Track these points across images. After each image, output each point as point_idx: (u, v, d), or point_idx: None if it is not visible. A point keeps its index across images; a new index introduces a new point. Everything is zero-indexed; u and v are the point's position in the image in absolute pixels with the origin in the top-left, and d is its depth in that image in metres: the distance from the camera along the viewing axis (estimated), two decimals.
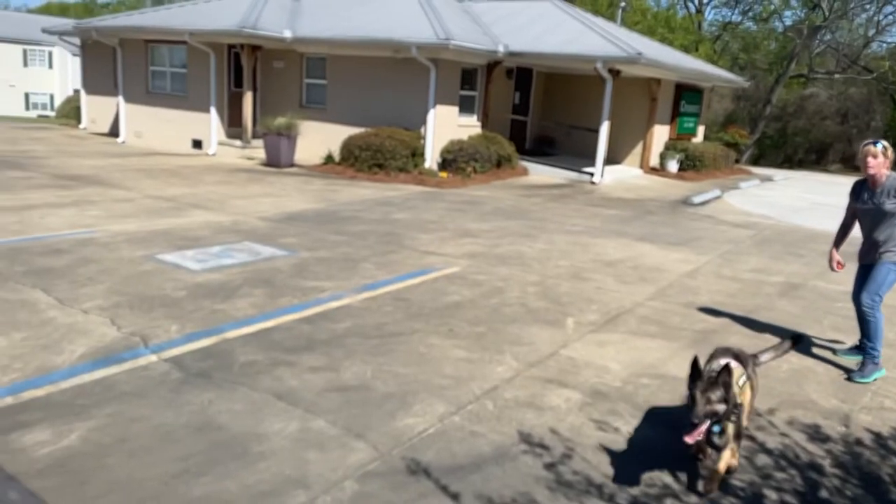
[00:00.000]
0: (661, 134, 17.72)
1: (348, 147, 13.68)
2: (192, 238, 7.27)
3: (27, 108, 36.86)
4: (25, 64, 37.78)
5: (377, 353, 4.41)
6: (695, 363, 2.93)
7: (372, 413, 3.57)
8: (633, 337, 5.08)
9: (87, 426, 3.22)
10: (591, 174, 14.72)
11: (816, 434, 3.67)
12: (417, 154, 13.65)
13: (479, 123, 15.35)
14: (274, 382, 3.86)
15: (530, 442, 3.36)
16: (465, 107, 14.95)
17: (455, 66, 14.21)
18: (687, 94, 18.43)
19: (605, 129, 14.60)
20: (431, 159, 13.89)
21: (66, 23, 22.50)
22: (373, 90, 14.58)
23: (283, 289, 5.68)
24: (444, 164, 13.86)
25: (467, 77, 14.88)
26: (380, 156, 13.20)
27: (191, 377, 3.85)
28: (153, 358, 4.09)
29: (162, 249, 6.68)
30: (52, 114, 31.51)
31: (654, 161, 17.45)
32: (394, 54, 13.79)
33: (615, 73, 14.23)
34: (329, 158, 14.36)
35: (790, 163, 34.67)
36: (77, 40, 19.64)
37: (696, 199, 13.12)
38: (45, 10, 55.14)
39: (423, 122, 13.92)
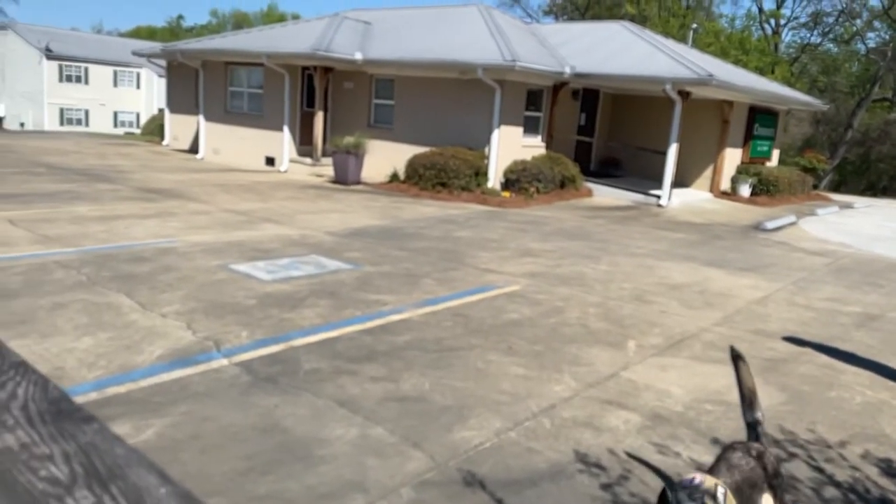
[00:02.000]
0: (732, 157, 17.24)
1: (413, 166, 13.94)
2: (263, 250, 7.58)
3: (115, 125, 39.23)
4: (115, 84, 40.31)
5: (435, 367, 4.48)
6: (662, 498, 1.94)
7: (429, 424, 3.63)
8: (697, 362, 4.97)
9: (163, 422, 3.42)
10: (658, 197, 14.46)
11: (890, 469, 3.49)
12: (480, 173, 13.77)
13: (543, 144, 15.36)
14: (336, 390, 3.98)
15: (587, 461, 3.34)
16: (530, 127, 15.01)
17: (520, 87, 14.31)
18: (761, 117, 17.89)
19: (673, 152, 14.35)
20: (494, 179, 13.98)
21: (154, 46, 23.96)
22: (438, 110, 14.84)
23: (346, 301, 5.85)
24: (507, 184, 13.92)
25: (532, 98, 14.95)
26: (443, 175, 13.39)
27: (259, 381, 4.02)
28: (224, 362, 4.29)
29: (235, 260, 7.00)
30: (138, 131, 33.44)
31: (724, 185, 16.98)
32: (460, 75, 14.02)
33: (685, 95, 13.99)
34: (394, 177, 14.67)
35: (873, 190, 32.98)
36: (163, 62, 20.87)
37: (769, 225, 12.68)
38: (135, 34, 58.82)
39: (487, 142, 14.05)
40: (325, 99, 16.22)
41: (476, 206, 12.62)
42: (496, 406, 3.95)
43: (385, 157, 14.93)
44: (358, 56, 15.28)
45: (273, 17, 63.72)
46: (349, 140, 14.54)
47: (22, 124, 36.81)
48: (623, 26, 17.98)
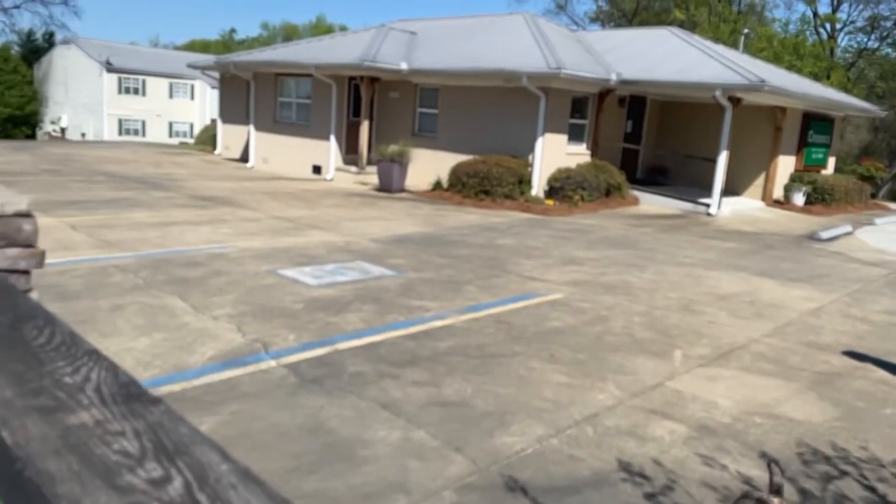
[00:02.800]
0: (786, 165, 16.76)
1: (456, 174, 14.01)
2: (310, 256, 7.74)
3: (170, 135, 40.61)
4: (171, 96, 41.77)
5: (478, 373, 4.50)
6: None
7: (471, 429, 3.65)
8: (746, 374, 4.85)
9: (215, 420, 3.53)
10: (707, 205, 14.16)
11: None
12: (524, 181, 13.75)
13: (588, 152, 15.24)
14: (379, 393, 4.04)
15: (630, 470, 3.31)
16: (575, 135, 14.92)
17: (565, 94, 14.25)
18: (816, 124, 17.36)
19: (723, 159, 14.05)
20: (538, 187, 13.94)
21: (208, 58, 24.77)
22: (482, 119, 14.90)
23: (390, 306, 5.92)
24: (551, 192, 13.86)
25: (578, 105, 14.86)
26: (486, 182, 13.41)
27: (305, 383, 4.12)
28: (272, 363, 4.41)
29: (283, 265, 7.17)
30: (192, 141, 34.56)
31: (777, 193, 16.51)
32: (504, 83, 14.05)
33: (735, 102, 13.70)
34: (437, 185, 14.77)
35: None
36: (216, 74, 21.54)
37: (824, 235, 12.27)
38: (190, 47, 60.85)
39: (531, 149, 14.03)
40: (370, 108, 16.47)
41: (519, 214, 12.60)
42: (538, 413, 3.94)
43: (428, 166, 15.06)
44: (403, 66, 15.48)
45: (321, 28, 65.03)
46: (393, 148, 14.73)
47: (83, 134, 38.46)
48: (671, 32, 17.73)
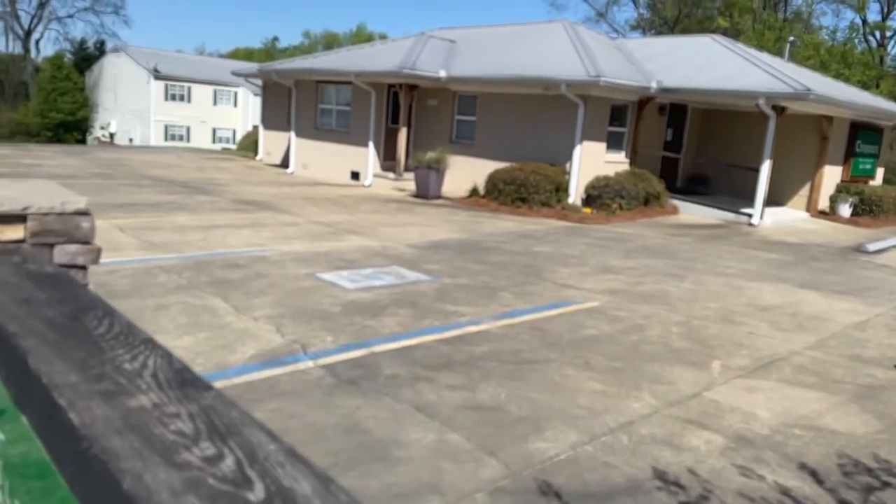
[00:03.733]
0: (832, 175, 16.32)
1: (493, 181, 14.03)
2: (348, 260, 7.86)
3: (213, 141, 41.61)
4: (215, 103, 42.84)
5: (512, 378, 4.51)
6: None
7: (505, 433, 3.67)
8: (786, 386, 4.75)
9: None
10: (750, 215, 13.88)
11: None
12: (561, 189, 13.69)
13: (627, 160, 15.10)
14: (414, 395, 4.08)
15: (666, 479, 3.28)
16: (613, 143, 14.80)
17: (604, 102, 14.16)
18: (864, 134, 16.86)
19: (766, 169, 13.75)
20: (575, 195, 13.86)
21: (251, 66, 25.35)
22: (519, 126, 14.90)
23: (426, 311, 5.97)
24: (589, 200, 13.76)
25: (617, 113, 14.75)
26: (523, 190, 13.40)
27: (342, 383, 4.19)
28: (310, 364, 4.50)
29: (321, 269, 7.29)
30: (234, 146, 35.37)
31: (822, 204, 16.08)
32: (543, 91, 14.04)
33: (780, 110, 13.41)
34: (474, 191, 14.81)
35: None
36: (259, 81, 22.03)
37: (871, 247, 11.90)
38: (233, 55, 62.36)
39: (569, 157, 13.96)
40: (408, 115, 16.63)
41: (556, 221, 12.55)
42: (572, 419, 3.93)
43: (465, 173, 15.11)
44: (442, 73, 15.60)
45: (362, 37, 65.91)
46: (431, 155, 14.83)
47: (131, 139, 39.69)
48: (714, 40, 17.47)
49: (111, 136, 40.60)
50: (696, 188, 16.96)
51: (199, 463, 0.77)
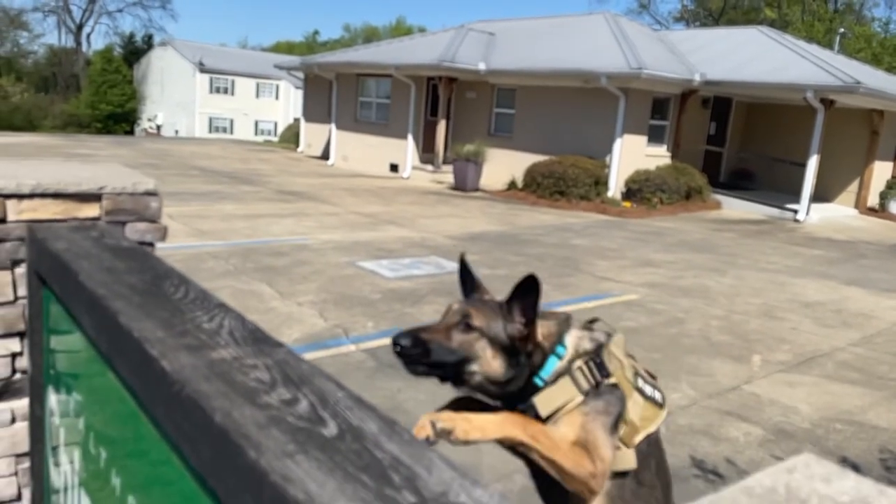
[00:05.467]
0: (882, 171, 15.82)
1: (531, 174, 14.01)
2: (387, 250, 7.99)
3: (256, 133, 42.38)
4: (257, 95, 43.60)
5: None
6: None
7: None
8: (828, 381, 4.69)
9: None
10: (795, 211, 13.57)
11: None
12: (600, 183, 13.60)
13: (668, 154, 14.90)
14: None
15: (703, 468, 3.30)
16: (655, 136, 14.61)
17: (646, 95, 13.99)
18: None
19: (813, 164, 13.41)
20: (615, 188, 13.75)
21: (293, 59, 25.72)
22: (559, 119, 14.83)
23: None
24: (629, 194, 13.64)
25: (659, 106, 14.55)
26: (562, 183, 13.35)
27: (383, 367, 4.30)
28: (352, 347, 4.62)
29: (362, 257, 7.44)
30: (276, 139, 35.98)
31: (872, 201, 15.60)
32: (583, 84, 13.94)
33: (828, 104, 13.05)
34: (512, 184, 14.81)
35: None
36: (300, 74, 22.37)
37: None
38: (275, 49, 63.25)
39: (609, 151, 13.85)
40: (447, 108, 16.70)
41: (595, 215, 12.48)
42: None
43: (503, 165, 15.12)
44: (481, 66, 15.61)
45: (401, 30, 66.13)
46: (469, 148, 14.88)
47: (176, 131, 40.71)
48: (760, 31, 17.06)
49: (158, 127, 41.69)
50: (739, 183, 16.63)
51: (277, 404, 0.86)
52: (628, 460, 1.39)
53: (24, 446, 1.77)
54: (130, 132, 40.46)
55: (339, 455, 0.75)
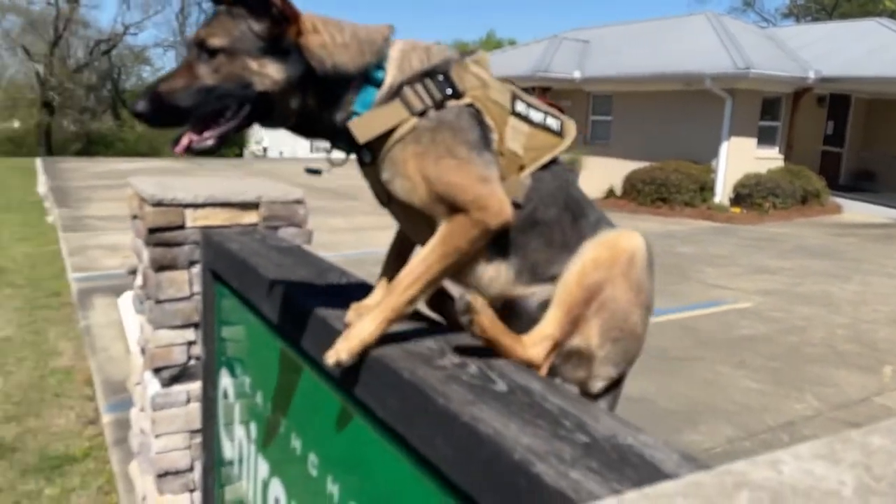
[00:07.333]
0: None
1: (630, 181, 13.74)
2: None
3: (311, 151, 43.80)
4: None
5: (660, 372, 4.50)
6: None
7: (656, 424, 3.69)
8: None
9: None
10: None
11: None
12: (706, 188, 13.12)
13: (780, 156, 14.15)
14: None
15: None
16: (765, 138, 13.94)
17: (754, 95, 13.39)
18: None
19: None
20: (722, 193, 13.22)
21: None
22: (659, 124, 14.45)
23: None
24: (737, 199, 13.07)
25: (768, 106, 13.88)
26: (664, 189, 12.99)
27: None
28: None
29: None
30: None
31: None
32: (685, 87, 13.54)
33: None
34: (610, 192, 14.57)
35: None
36: None
37: None
38: None
39: (715, 154, 13.35)
40: None
41: (700, 221, 12.05)
42: (727, 415, 3.87)
43: (601, 173, 14.91)
44: (576, 74, 15.52)
45: (491, 43, 66.62)
46: (565, 157, 14.77)
47: (281, 153, 43.01)
48: (879, 23, 15.91)
49: (264, 149, 44.22)
50: (861, 185, 15.50)
51: (451, 367, 1.00)
52: (514, 190, 1.08)
53: (197, 423, 2.02)
54: (240, 155, 43.16)
55: (513, 405, 0.86)
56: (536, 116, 1.15)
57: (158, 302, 1.93)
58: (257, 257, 1.60)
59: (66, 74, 34.54)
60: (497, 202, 1.03)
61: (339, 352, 1.02)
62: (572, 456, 0.73)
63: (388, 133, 1.05)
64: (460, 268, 1.07)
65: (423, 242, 1.10)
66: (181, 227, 1.94)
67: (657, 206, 13.01)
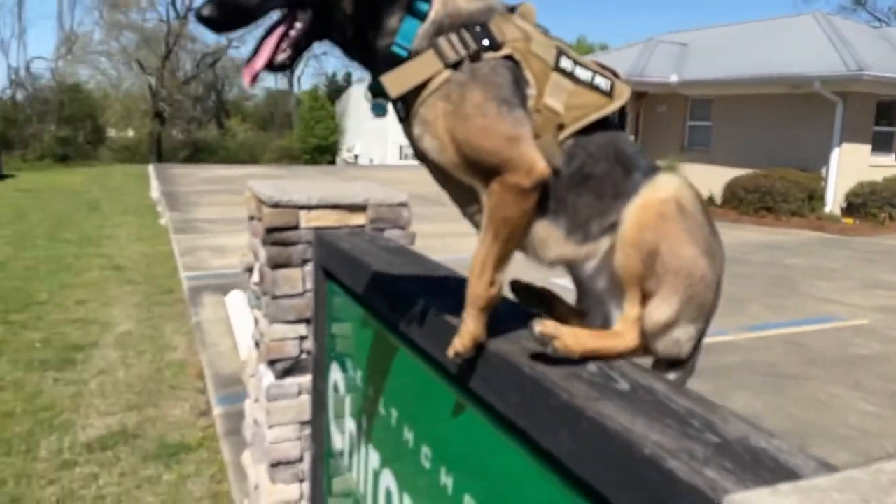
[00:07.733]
0: None
1: (732, 189, 13.14)
2: None
3: (400, 157, 44.36)
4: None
5: (767, 391, 4.28)
6: None
7: None
8: None
9: None
10: None
11: None
12: (815, 197, 12.35)
13: None
14: None
15: None
16: (881, 144, 12.97)
17: (868, 98, 12.50)
18: None
19: None
20: (833, 203, 12.40)
21: None
22: (762, 129, 13.75)
23: None
24: (850, 209, 12.22)
25: (884, 111, 12.92)
26: (769, 198, 12.34)
27: None
28: None
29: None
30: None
31: None
32: (791, 90, 12.82)
33: None
34: (709, 200, 13.97)
35: None
36: None
37: None
38: None
39: (825, 162, 12.55)
40: (636, 123, 16.29)
41: (809, 232, 11.35)
42: (842, 439, 3.63)
43: (699, 181, 14.16)
44: (673, 78, 15.05)
45: (583, 49, 65.55)
46: (662, 163, 14.35)
47: (371, 160, 44.13)
48: None
49: (355, 157, 45.52)
50: None
51: (569, 365, 1.00)
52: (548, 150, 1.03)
53: (307, 415, 2.12)
54: (332, 162, 44.65)
55: (637, 403, 0.86)
56: (583, 74, 1.08)
57: (274, 298, 2.05)
58: (369, 256, 1.67)
59: (176, 86, 37.03)
60: (527, 161, 1.00)
61: (456, 346, 1.06)
62: (704, 455, 0.72)
63: (422, 87, 1.02)
64: (519, 236, 1.07)
65: (459, 203, 1.17)
66: (296, 227, 2.05)
67: (761, 216, 12.37)
